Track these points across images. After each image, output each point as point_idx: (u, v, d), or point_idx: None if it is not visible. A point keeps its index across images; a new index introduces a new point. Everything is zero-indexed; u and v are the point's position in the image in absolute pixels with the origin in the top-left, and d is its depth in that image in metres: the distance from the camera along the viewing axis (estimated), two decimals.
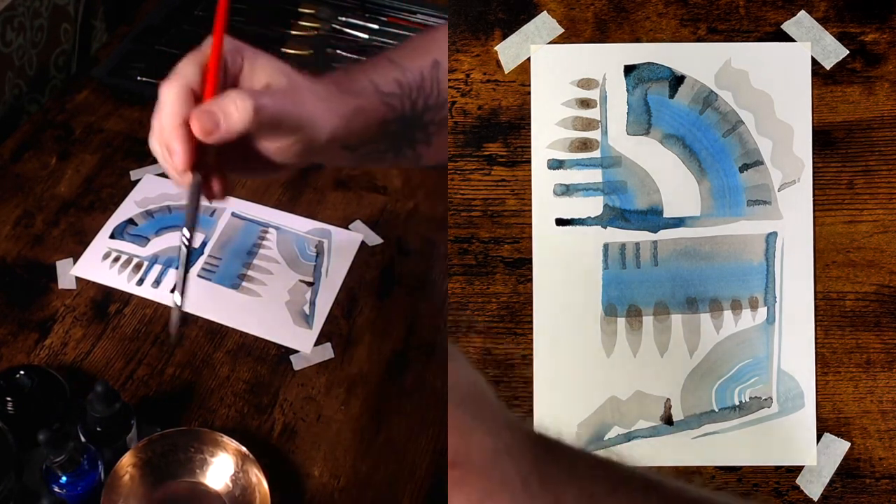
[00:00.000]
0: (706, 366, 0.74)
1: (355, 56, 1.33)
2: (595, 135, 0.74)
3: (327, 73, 0.68)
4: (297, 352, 0.97)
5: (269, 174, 0.68)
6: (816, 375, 0.73)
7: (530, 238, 0.74)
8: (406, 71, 0.70)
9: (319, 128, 0.64)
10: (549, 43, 0.74)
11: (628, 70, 0.74)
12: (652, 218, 0.74)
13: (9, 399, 0.83)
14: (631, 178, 0.74)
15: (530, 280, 0.74)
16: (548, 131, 0.74)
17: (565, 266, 0.74)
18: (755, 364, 0.74)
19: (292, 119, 0.62)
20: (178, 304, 0.60)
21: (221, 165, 0.63)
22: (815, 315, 0.74)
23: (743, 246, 0.74)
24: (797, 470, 0.73)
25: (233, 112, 0.59)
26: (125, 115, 1.22)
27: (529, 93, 0.74)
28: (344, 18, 1.40)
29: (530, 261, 0.74)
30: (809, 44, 0.74)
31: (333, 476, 0.88)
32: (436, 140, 0.74)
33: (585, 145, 0.74)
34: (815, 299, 0.74)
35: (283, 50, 1.34)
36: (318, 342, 0.98)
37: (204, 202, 0.63)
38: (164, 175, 1.14)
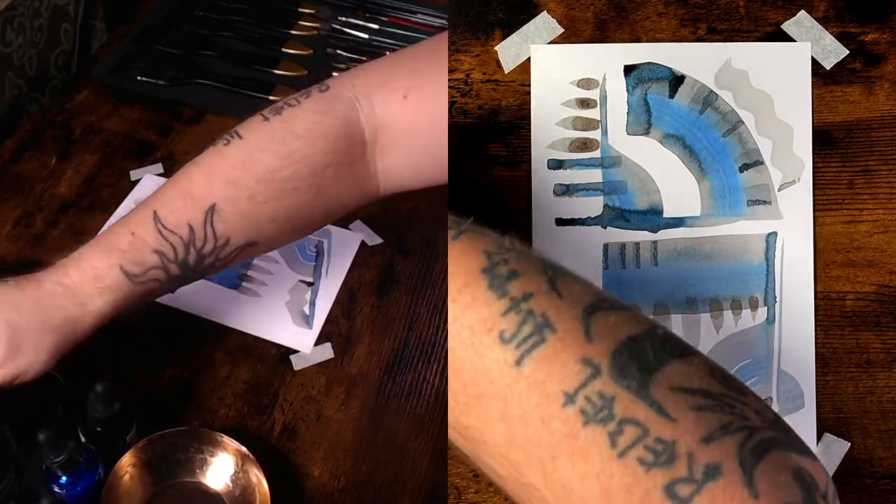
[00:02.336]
0: None
1: (355, 56, 1.33)
2: (595, 135, 0.74)
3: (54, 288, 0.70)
4: (297, 352, 0.97)
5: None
6: (816, 375, 0.73)
7: (530, 238, 0.74)
8: (170, 233, 0.70)
9: (30, 372, 0.69)
10: (549, 43, 0.74)
11: (628, 70, 0.74)
12: (652, 218, 0.74)
13: (9, 399, 0.83)
14: (631, 178, 0.74)
15: None
16: (548, 131, 0.74)
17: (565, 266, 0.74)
18: (755, 364, 0.74)
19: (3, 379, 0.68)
20: None
21: None
22: (815, 315, 0.74)
23: (743, 246, 0.74)
24: None
25: None
26: (125, 115, 1.22)
27: (529, 93, 0.74)
28: (344, 18, 1.40)
29: None
30: (809, 44, 0.74)
31: (333, 476, 0.88)
32: (237, 259, 0.75)
33: (585, 145, 0.74)
34: (815, 299, 0.74)
35: (283, 50, 1.34)
36: (318, 342, 0.98)
37: None
38: (164, 175, 1.14)
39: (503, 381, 0.42)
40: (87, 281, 0.70)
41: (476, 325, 0.42)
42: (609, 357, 0.41)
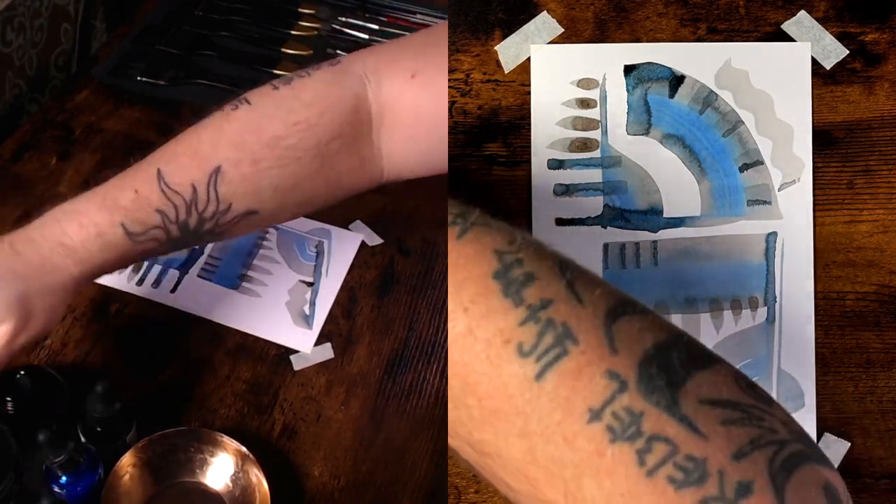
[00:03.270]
0: None
1: None
2: (595, 135, 0.74)
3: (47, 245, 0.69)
4: (297, 352, 0.97)
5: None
6: (816, 375, 0.73)
7: None
8: (173, 193, 0.69)
9: (41, 334, 0.70)
10: (549, 43, 0.74)
11: (628, 70, 0.74)
12: (652, 218, 0.74)
13: (9, 399, 0.83)
14: (631, 178, 0.74)
15: None
16: (548, 131, 0.74)
17: None
18: (755, 364, 0.74)
19: (19, 346, 0.69)
20: None
21: None
22: (815, 315, 0.74)
23: (743, 246, 0.74)
24: None
25: None
26: (125, 115, 1.22)
27: (529, 93, 0.74)
28: (344, 18, 1.40)
29: None
30: (809, 44, 0.74)
31: (333, 476, 0.88)
32: (235, 229, 0.74)
33: (585, 145, 0.74)
34: (815, 299, 0.74)
35: (283, 50, 1.34)
36: (318, 342, 0.98)
37: None
38: None
39: (523, 396, 0.39)
40: (89, 238, 0.68)
41: (492, 337, 0.40)
42: (636, 370, 0.39)
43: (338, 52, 1.34)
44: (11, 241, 0.69)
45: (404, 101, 0.77)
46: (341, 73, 0.77)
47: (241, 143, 0.71)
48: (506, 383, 0.40)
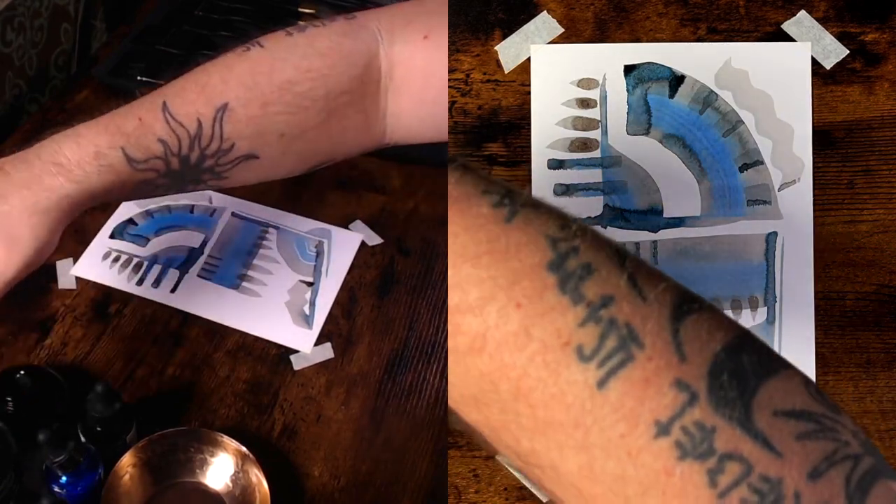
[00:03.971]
0: None
1: None
2: (595, 135, 0.74)
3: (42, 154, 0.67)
4: (297, 352, 0.97)
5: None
6: (816, 375, 0.73)
7: None
8: (178, 124, 0.68)
9: (36, 262, 0.66)
10: (549, 43, 0.74)
11: (628, 70, 0.74)
12: (652, 218, 0.74)
13: (9, 399, 0.83)
14: (631, 178, 0.74)
15: None
16: (548, 131, 0.74)
17: None
18: None
19: (11, 274, 0.65)
20: None
21: None
22: (815, 315, 0.74)
23: (743, 246, 0.74)
24: None
25: None
26: None
27: (529, 93, 0.74)
28: None
29: None
30: (809, 44, 0.74)
31: (333, 476, 0.88)
32: (233, 174, 0.72)
33: (585, 145, 0.74)
34: (815, 299, 0.74)
35: None
36: (318, 342, 0.98)
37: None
38: None
39: (583, 406, 0.36)
40: (86, 157, 0.66)
41: (550, 338, 0.36)
42: (706, 379, 0.36)
43: None
44: (3, 162, 0.67)
45: (415, 62, 0.76)
46: (356, 26, 0.76)
47: (253, 84, 0.70)
48: (564, 391, 0.36)
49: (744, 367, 0.37)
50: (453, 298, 0.36)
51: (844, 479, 0.36)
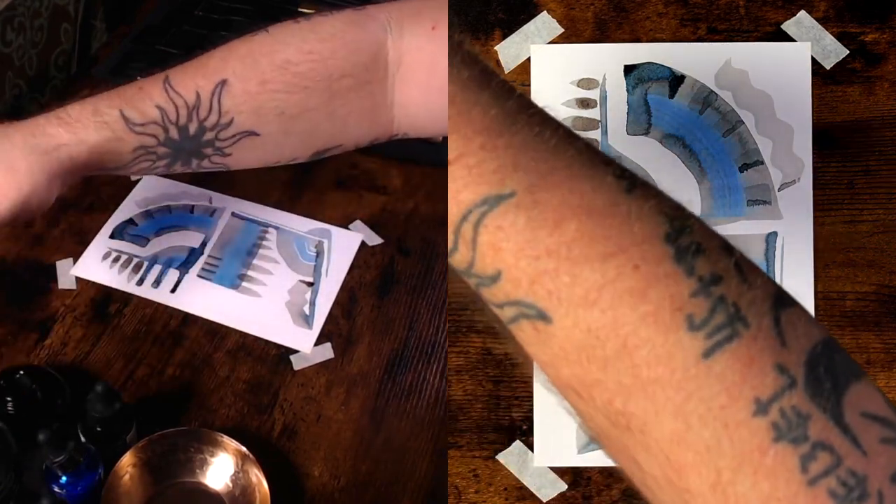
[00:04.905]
0: None
1: None
2: (595, 135, 0.74)
3: (46, 116, 0.71)
4: (297, 352, 0.97)
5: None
6: None
7: None
8: (177, 95, 0.70)
9: (29, 208, 0.68)
10: (549, 43, 0.74)
11: (628, 70, 0.74)
12: None
13: (9, 399, 0.83)
14: None
15: None
16: None
17: None
18: None
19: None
20: None
21: None
22: (816, 315, 0.74)
23: (743, 246, 0.73)
24: None
25: None
26: None
27: (529, 93, 0.74)
28: None
29: None
30: (809, 44, 0.74)
31: (333, 476, 0.88)
32: (235, 151, 0.74)
33: None
34: (815, 299, 0.74)
35: None
36: (318, 342, 0.98)
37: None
38: (164, 175, 1.14)
39: (687, 371, 0.36)
40: (85, 114, 0.70)
41: (663, 301, 0.36)
42: (804, 368, 0.37)
43: None
44: (12, 122, 0.71)
45: (424, 52, 0.76)
46: (364, 16, 0.77)
47: (252, 62, 0.73)
48: (671, 353, 0.36)
49: (836, 364, 0.37)
50: (574, 250, 0.36)
51: None
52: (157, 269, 1.03)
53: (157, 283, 1.02)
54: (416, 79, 0.77)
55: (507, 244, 0.37)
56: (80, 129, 0.69)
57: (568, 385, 0.39)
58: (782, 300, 0.38)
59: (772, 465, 0.36)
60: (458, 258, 0.38)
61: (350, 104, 0.76)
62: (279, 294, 1.03)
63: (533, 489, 0.74)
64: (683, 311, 0.36)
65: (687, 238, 0.37)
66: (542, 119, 0.38)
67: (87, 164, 0.71)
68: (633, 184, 0.38)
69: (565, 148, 0.38)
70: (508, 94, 0.38)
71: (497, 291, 0.38)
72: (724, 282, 0.37)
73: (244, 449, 0.82)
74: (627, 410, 0.38)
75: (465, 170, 0.36)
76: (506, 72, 0.74)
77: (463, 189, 0.36)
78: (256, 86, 0.72)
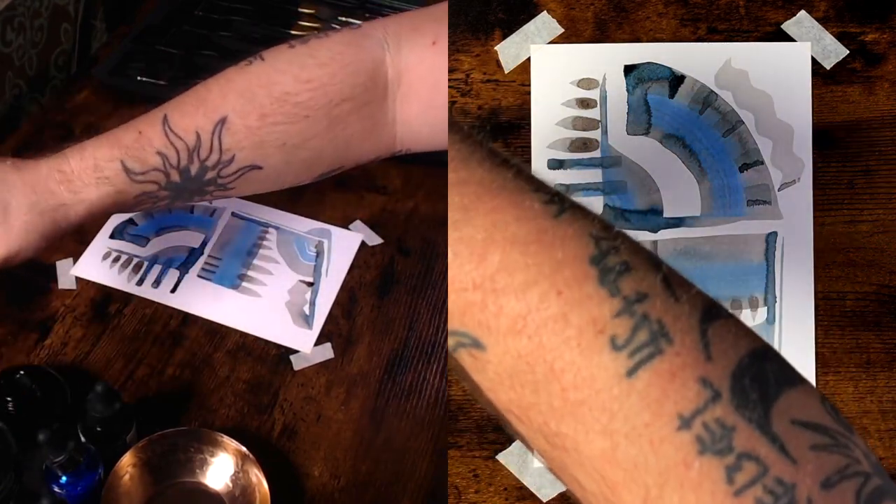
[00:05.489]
0: None
1: None
2: (595, 135, 0.74)
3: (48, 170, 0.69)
4: (297, 352, 0.97)
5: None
6: (816, 375, 0.73)
7: None
8: (177, 137, 0.70)
9: (20, 255, 0.68)
10: (549, 43, 0.74)
11: (628, 70, 0.74)
12: (652, 218, 0.74)
13: (9, 399, 0.83)
14: (631, 178, 0.74)
15: None
16: (548, 131, 0.74)
17: None
18: None
19: None
20: None
21: None
22: (815, 315, 0.74)
23: (743, 246, 0.74)
24: None
25: None
26: (125, 115, 1.21)
27: (529, 93, 0.74)
28: (344, 18, 1.40)
29: None
30: (809, 44, 0.74)
31: (333, 476, 0.88)
32: (238, 185, 0.74)
33: (585, 145, 0.74)
34: (815, 299, 0.74)
35: None
36: (318, 342, 0.98)
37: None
38: None
39: (611, 391, 0.37)
40: (86, 170, 0.69)
41: (586, 325, 0.37)
42: (729, 380, 0.37)
43: None
44: (15, 161, 0.70)
45: (423, 67, 0.76)
46: (361, 36, 0.76)
47: (251, 96, 0.72)
48: (594, 375, 0.37)
49: (766, 374, 0.38)
50: (498, 281, 0.37)
51: (855, 493, 0.36)
52: (157, 269, 1.03)
53: (157, 283, 1.02)
54: (418, 94, 0.77)
55: (449, 274, 0.38)
56: (81, 187, 0.69)
57: (507, 409, 0.40)
58: (710, 313, 0.39)
59: (697, 478, 0.36)
60: None
61: (351, 127, 0.75)
62: (279, 294, 1.03)
63: (533, 489, 0.74)
64: (606, 332, 0.37)
65: (613, 258, 0.38)
66: (474, 147, 0.39)
67: (84, 219, 0.71)
68: (562, 208, 0.39)
69: (492, 178, 0.39)
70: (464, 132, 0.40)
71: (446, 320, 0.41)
72: (648, 299, 0.38)
73: (244, 449, 0.82)
74: (560, 431, 0.39)
75: None
76: (506, 72, 0.74)
77: None
78: (256, 120, 0.71)
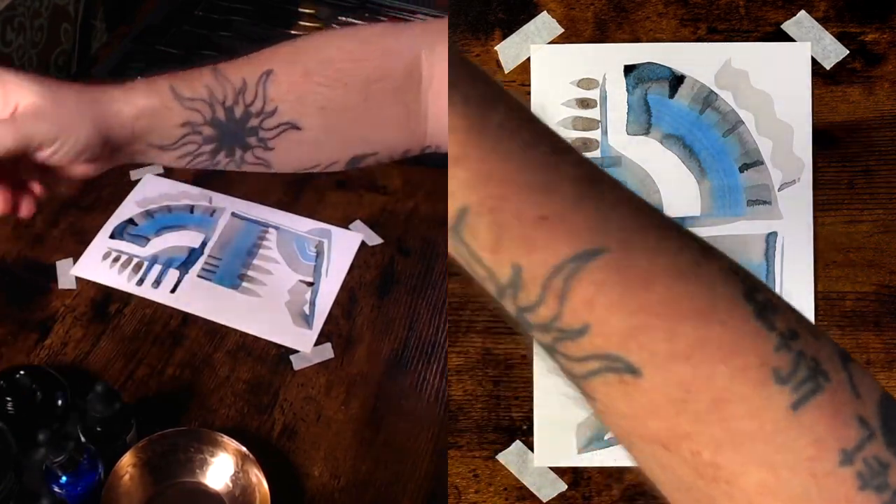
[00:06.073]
0: None
1: None
2: (595, 135, 0.74)
3: (112, 83, 0.71)
4: (297, 352, 0.97)
5: (81, 179, 0.73)
6: None
7: None
8: (225, 79, 0.74)
9: (71, 136, 0.68)
10: (549, 43, 0.74)
11: (628, 70, 0.74)
12: None
13: (9, 399, 0.83)
14: (631, 178, 0.74)
15: None
16: None
17: None
18: None
19: (40, 135, 0.66)
20: None
21: (24, 181, 0.70)
22: (815, 315, 0.74)
23: (743, 246, 0.74)
24: None
25: None
26: None
27: (529, 93, 0.74)
28: (344, 18, 1.40)
29: None
30: (809, 44, 0.74)
31: (333, 476, 0.88)
32: (279, 145, 0.76)
33: (585, 145, 0.74)
34: (815, 299, 0.74)
35: None
36: (318, 342, 0.98)
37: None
38: (164, 175, 1.14)
39: (777, 423, 0.38)
40: (137, 83, 0.72)
41: (752, 356, 0.38)
42: (878, 418, 0.39)
43: None
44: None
45: None
46: (402, 29, 0.80)
47: (296, 57, 0.76)
48: (762, 407, 0.38)
49: None
50: (666, 307, 0.38)
51: None
52: (157, 269, 1.03)
53: (157, 283, 1.02)
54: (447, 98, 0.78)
55: (601, 299, 0.37)
56: (131, 90, 0.71)
57: (654, 437, 0.40)
58: (846, 354, 0.40)
59: None
60: (541, 312, 0.39)
61: (385, 109, 0.78)
62: (279, 294, 1.03)
63: (533, 489, 0.74)
64: (769, 365, 0.38)
65: (761, 295, 0.39)
66: (617, 184, 0.40)
67: (132, 130, 0.71)
68: (705, 246, 0.40)
69: (650, 210, 0.39)
70: (582, 160, 0.41)
71: (582, 345, 0.39)
72: (800, 337, 0.39)
73: (244, 449, 0.82)
74: (716, 462, 0.39)
75: (557, 224, 0.38)
76: (506, 72, 0.74)
77: (553, 243, 0.37)
78: (300, 76, 0.74)
